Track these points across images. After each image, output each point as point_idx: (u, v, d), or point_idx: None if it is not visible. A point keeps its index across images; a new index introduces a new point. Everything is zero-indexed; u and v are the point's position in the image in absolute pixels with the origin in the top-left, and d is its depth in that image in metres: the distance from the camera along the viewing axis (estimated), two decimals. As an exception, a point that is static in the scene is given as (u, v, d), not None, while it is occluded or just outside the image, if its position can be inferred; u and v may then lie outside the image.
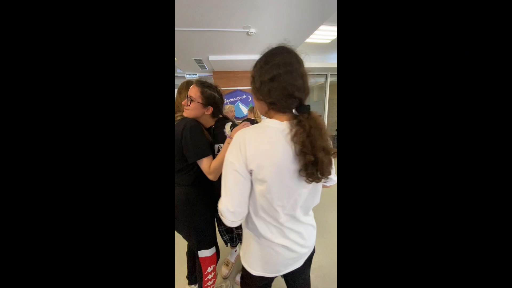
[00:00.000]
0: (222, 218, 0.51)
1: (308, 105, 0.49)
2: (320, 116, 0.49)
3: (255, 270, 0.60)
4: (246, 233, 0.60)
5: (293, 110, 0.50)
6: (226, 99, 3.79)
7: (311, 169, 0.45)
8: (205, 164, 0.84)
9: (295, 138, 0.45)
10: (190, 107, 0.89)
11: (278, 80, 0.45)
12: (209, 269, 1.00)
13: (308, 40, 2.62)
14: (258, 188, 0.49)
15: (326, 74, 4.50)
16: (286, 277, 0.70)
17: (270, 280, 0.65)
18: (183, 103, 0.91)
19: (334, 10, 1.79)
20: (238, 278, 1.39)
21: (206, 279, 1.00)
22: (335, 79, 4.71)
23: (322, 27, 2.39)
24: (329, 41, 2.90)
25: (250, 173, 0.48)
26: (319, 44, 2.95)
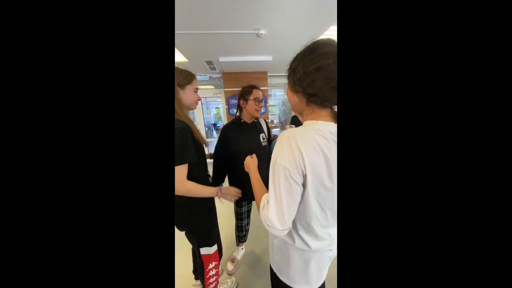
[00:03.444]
0: (267, 227, 0.46)
1: None
2: None
3: (298, 284, 0.56)
4: (286, 246, 0.54)
5: (333, 106, 0.47)
6: (235, 100, 3.83)
7: None
8: (179, 172, 0.74)
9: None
10: (260, 107, 1.13)
11: (325, 70, 0.42)
12: (211, 266, 1.01)
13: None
14: (313, 194, 0.45)
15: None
16: None
17: None
18: (256, 106, 1.14)
19: None
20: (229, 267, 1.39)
21: (208, 276, 1.02)
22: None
23: (332, 27, 2.35)
24: None
25: (306, 180, 0.43)
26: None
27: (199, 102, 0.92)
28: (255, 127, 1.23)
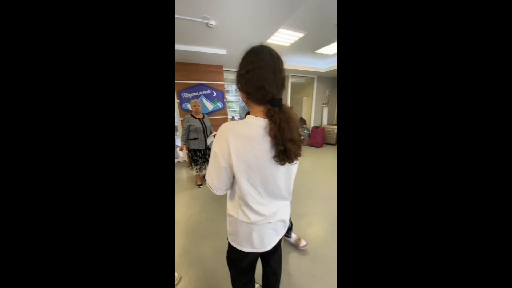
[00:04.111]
0: (209, 187, 0.64)
1: (279, 99, 0.55)
2: (291, 108, 0.57)
3: (245, 247, 0.70)
4: (234, 220, 0.68)
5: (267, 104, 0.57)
6: (188, 94, 3.52)
7: (282, 155, 0.54)
8: None
9: (268, 132, 0.52)
10: None
11: (252, 73, 0.53)
12: None
13: (269, 41, 2.71)
14: (242, 176, 0.57)
15: (288, 75, 4.74)
16: (263, 254, 0.81)
17: (258, 255, 0.78)
18: None
19: (290, 15, 1.90)
20: (302, 243, 1.51)
21: None
22: (295, 80, 5.02)
23: (282, 31, 2.51)
24: (289, 44, 3.04)
25: (232, 164, 0.55)
26: (280, 46, 3.07)
27: None
28: None
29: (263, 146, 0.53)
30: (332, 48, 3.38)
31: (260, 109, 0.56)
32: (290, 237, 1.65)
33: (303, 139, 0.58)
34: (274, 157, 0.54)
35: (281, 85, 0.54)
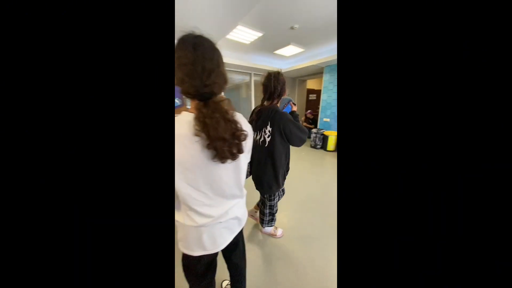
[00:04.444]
0: None
1: (205, 93, 0.48)
2: (225, 100, 0.51)
3: (196, 252, 0.65)
4: (181, 225, 0.62)
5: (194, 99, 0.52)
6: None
7: (218, 155, 0.48)
8: None
9: (194, 132, 0.46)
10: None
11: (176, 63, 0.48)
12: None
13: (228, 37, 2.67)
14: (178, 178, 0.50)
15: (250, 73, 4.75)
16: (223, 251, 0.78)
17: (213, 256, 0.72)
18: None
19: (247, 11, 1.89)
20: (278, 232, 1.60)
21: None
22: (258, 78, 5.11)
23: (241, 28, 2.48)
24: (249, 42, 3.03)
25: None
26: (240, 43, 3.03)
27: None
28: None
29: (196, 144, 0.47)
30: (289, 50, 3.54)
31: (193, 105, 0.51)
32: (264, 229, 1.69)
33: (241, 135, 0.51)
34: (214, 157, 0.48)
35: (207, 77, 0.46)
